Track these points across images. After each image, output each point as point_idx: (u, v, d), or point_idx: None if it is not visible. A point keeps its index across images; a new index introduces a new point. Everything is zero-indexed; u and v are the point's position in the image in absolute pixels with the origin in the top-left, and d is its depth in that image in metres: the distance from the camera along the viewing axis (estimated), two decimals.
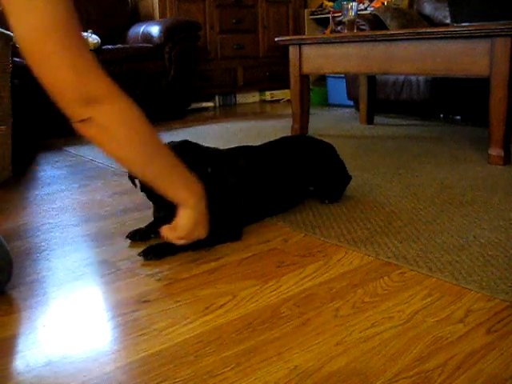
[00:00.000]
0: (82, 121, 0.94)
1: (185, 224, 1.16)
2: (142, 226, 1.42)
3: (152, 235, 1.39)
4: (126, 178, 1.41)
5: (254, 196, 1.45)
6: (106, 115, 0.96)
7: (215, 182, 1.35)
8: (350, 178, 1.71)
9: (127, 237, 1.37)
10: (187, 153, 1.29)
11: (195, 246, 1.29)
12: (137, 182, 1.33)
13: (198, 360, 0.84)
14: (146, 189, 1.27)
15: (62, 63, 0.87)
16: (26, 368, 0.84)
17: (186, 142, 1.36)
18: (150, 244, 1.30)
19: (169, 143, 1.32)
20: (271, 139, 1.66)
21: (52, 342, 0.92)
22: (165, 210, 1.29)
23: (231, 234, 1.37)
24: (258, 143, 1.63)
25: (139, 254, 1.25)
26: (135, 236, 1.37)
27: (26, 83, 2.56)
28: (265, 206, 1.50)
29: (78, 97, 0.91)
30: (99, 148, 1.02)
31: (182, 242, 1.21)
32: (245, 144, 1.61)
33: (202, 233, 1.20)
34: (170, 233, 1.19)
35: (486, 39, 1.96)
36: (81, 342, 0.91)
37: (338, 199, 1.64)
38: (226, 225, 1.38)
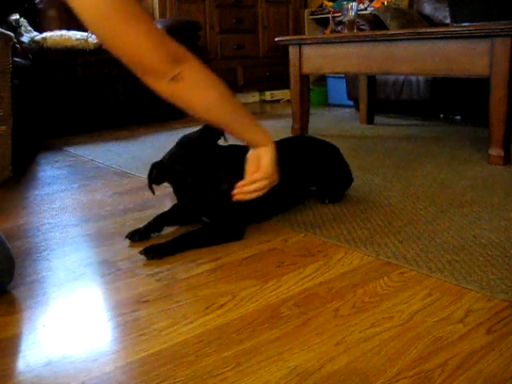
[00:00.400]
0: (173, 78, 1.04)
1: (268, 162, 1.20)
2: (142, 226, 1.42)
3: (152, 234, 1.39)
4: (126, 177, 1.41)
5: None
6: (191, 69, 1.07)
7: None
8: (352, 180, 1.71)
9: (127, 237, 1.37)
10: (202, 144, 1.33)
11: (197, 246, 1.29)
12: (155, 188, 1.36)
13: (197, 360, 0.84)
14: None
15: (138, 32, 0.97)
16: (26, 368, 0.84)
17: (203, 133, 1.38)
18: (151, 243, 1.30)
19: (183, 137, 1.36)
20: (274, 139, 1.66)
21: (52, 342, 0.92)
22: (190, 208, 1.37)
23: (234, 233, 1.37)
24: None
25: (140, 253, 1.25)
26: (134, 236, 1.37)
27: (25, 83, 2.56)
28: (268, 205, 1.50)
29: (165, 57, 1.01)
30: (188, 105, 1.12)
31: (262, 189, 1.23)
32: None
33: (277, 178, 1.24)
34: (257, 175, 1.21)
35: (485, 39, 1.96)
36: (81, 342, 0.91)
37: (338, 200, 1.64)
38: (229, 224, 1.38)
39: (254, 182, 1.22)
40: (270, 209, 1.52)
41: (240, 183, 1.23)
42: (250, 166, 1.23)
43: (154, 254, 1.25)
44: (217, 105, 1.14)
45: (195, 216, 1.47)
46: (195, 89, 1.09)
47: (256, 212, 1.47)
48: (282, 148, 1.59)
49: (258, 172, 1.21)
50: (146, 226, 1.40)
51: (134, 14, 0.94)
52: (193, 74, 1.07)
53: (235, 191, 1.23)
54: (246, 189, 1.23)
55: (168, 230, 1.43)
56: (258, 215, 1.49)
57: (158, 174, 1.35)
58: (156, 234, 1.40)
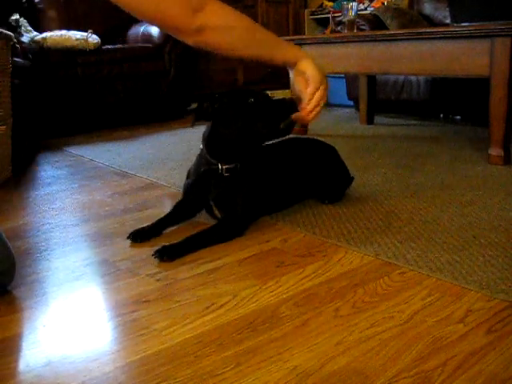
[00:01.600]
0: (197, 30, 1.06)
1: (314, 70, 1.22)
2: (142, 226, 1.42)
3: (153, 236, 1.39)
4: (126, 177, 1.40)
5: (261, 194, 1.46)
6: (212, 15, 1.09)
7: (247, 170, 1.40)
8: (351, 178, 1.71)
9: (128, 238, 1.37)
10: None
11: (206, 245, 1.30)
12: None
13: (197, 360, 0.84)
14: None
15: None
16: (26, 368, 0.84)
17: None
18: (151, 244, 1.30)
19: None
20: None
21: (52, 342, 0.92)
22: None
23: (239, 228, 1.38)
24: None
25: (153, 255, 1.24)
26: (136, 237, 1.37)
27: (25, 83, 2.57)
28: (268, 204, 1.52)
29: (185, 10, 1.05)
30: (216, 49, 1.15)
31: (323, 98, 1.25)
32: None
33: (327, 82, 1.26)
34: (311, 88, 1.22)
35: (485, 39, 1.96)
36: (81, 342, 0.91)
37: (338, 200, 1.64)
38: (234, 219, 1.39)
39: (312, 96, 1.23)
40: (270, 208, 1.53)
41: (303, 104, 1.24)
42: (299, 86, 1.24)
43: (167, 255, 1.24)
44: (243, 41, 1.17)
45: (196, 210, 1.48)
46: (220, 34, 1.11)
47: (260, 208, 1.48)
48: (285, 148, 1.61)
49: (310, 85, 1.22)
50: (148, 228, 1.40)
51: None
52: (214, 19, 1.09)
53: (303, 113, 1.25)
54: (310, 107, 1.24)
55: (170, 230, 1.43)
56: (261, 211, 1.50)
57: (210, 105, 1.35)
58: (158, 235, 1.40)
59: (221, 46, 1.14)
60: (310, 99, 1.23)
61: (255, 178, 1.44)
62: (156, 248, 1.26)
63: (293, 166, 1.57)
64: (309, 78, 1.22)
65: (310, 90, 1.23)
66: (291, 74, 1.27)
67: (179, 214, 1.47)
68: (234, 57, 1.20)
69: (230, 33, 1.13)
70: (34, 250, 1.35)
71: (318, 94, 1.23)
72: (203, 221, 1.48)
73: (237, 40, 1.15)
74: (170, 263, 1.23)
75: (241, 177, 1.41)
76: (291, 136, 1.50)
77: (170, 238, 1.33)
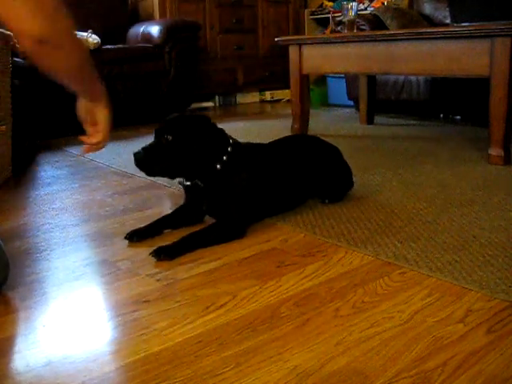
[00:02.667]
0: (40, 40, 0.98)
1: (105, 117, 1.21)
2: (142, 226, 1.42)
3: (151, 236, 1.39)
4: (126, 177, 1.40)
5: (261, 194, 1.45)
6: (60, 32, 1.06)
7: (228, 175, 1.38)
8: (352, 184, 1.71)
9: (126, 238, 1.37)
10: (209, 131, 1.38)
11: (204, 245, 1.30)
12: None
13: (197, 360, 0.84)
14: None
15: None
16: (25, 368, 0.84)
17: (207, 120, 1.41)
18: (149, 244, 1.30)
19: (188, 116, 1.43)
20: (272, 139, 1.66)
21: (52, 342, 0.92)
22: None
23: (237, 231, 1.37)
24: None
25: (150, 254, 1.24)
26: (133, 237, 1.37)
27: (25, 83, 2.57)
28: (270, 205, 1.51)
29: (32, 16, 0.96)
30: (48, 66, 1.08)
31: (103, 142, 1.23)
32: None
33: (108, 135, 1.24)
34: (100, 126, 1.21)
35: (486, 39, 1.96)
36: (81, 342, 0.91)
37: (339, 200, 1.64)
38: (234, 222, 1.39)
39: (97, 133, 1.22)
40: (272, 208, 1.52)
41: (86, 138, 1.23)
42: (86, 117, 1.23)
43: (165, 255, 1.24)
44: (77, 68, 1.14)
45: (198, 216, 1.47)
46: (60, 52, 1.06)
47: (258, 211, 1.47)
48: (287, 147, 1.60)
49: (99, 124, 1.21)
50: (146, 227, 1.40)
51: None
52: (60, 36, 1.05)
53: (85, 147, 1.25)
54: (95, 141, 1.23)
55: (168, 231, 1.43)
56: (262, 213, 1.49)
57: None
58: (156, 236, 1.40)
59: (56, 66, 1.09)
60: (99, 140, 1.23)
61: (252, 177, 1.43)
62: (154, 248, 1.26)
63: (294, 165, 1.55)
64: (100, 121, 1.22)
65: (99, 127, 1.22)
66: (82, 102, 1.26)
67: (178, 217, 1.46)
68: (60, 80, 1.15)
69: (69, 57, 1.08)
70: (34, 250, 1.35)
71: (101, 137, 1.22)
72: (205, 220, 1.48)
73: (72, 66, 1.12)
74: (170, 263, 1.23)
75: (226, 182, 1.39)
76: (293, 134, 1.51)
77: (170, 238, 1.33)
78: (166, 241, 1.32)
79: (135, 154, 1.35)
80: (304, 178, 1.58)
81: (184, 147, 1.34)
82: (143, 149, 1.35)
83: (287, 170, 1.53)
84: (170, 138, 1.33)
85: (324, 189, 1.63)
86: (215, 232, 1.35)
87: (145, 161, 1.35)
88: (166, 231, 1.42)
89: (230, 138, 1.44)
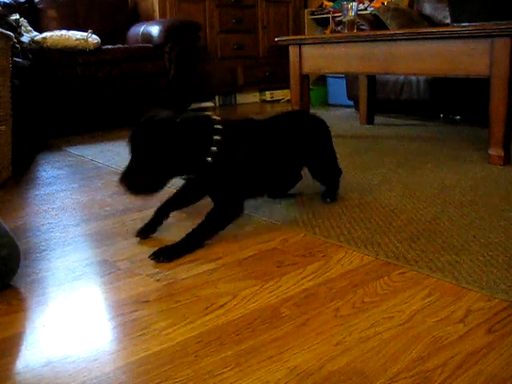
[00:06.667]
0: None
1: None
2: (142, 225, 1.42)
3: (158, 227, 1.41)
4: None
5: (257, 171, 1.43)
6: None
7: (223, 156, 1.34)
8: (340, 172, 1.72)
9: (137, 236, 1.39)
10: (192, 127, 1.30)
11: (203, 239, 1.31)
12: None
13: (197, 360, 0.84)
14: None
15: None
16: (25, 368, 0.84)
17: (197, 115, 1.36)
18: (155, 244, 1.30)
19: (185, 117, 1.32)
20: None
21: (52, 342, 0.92)
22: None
23: (235, 209, 1.36)
24: None
25: (150, 257, 1.24)
26: (142, 233, 1.39)
27: (25, 83, 2.56)
28: (265, 182, 1.50)
29: None
30: None
31: None
32: None
33: None
34: None
35: (486, 39, 1.96)
36: (81, 342, 0.91)
37: (336, 190, 1.65)
38: (230, 199, 1.37)
39: None
40: (267, 186, 1.53)
41: None
42: None
43: (165, 257, 1.24)
44: None
45: (197, 196, 1.47)
46: None
47: (253, 187, 1.46)
48: (280, 124, 1.58)
49: None
50: (152, 219, 1.41)
51: None
52: None
53: None
54: None
55: (171, 224, 1.43)
56: (255, 191, 1.49)
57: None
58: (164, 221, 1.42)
59: None
60: None
61: (245, 157, 1.39)
62: (155, 249, 1.26)
63: (286, 141, 1.53)
64: None
65: None
66: None
67: (179, 197, 1.45)
68: None
69: None
70: (34, 250, 1.35)
71: None
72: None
73: None
74: (170, 263, 1.23)
75: (220, 172, 1.35)
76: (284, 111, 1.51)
77: (173, 231, 1.33)
78: (166, 238, 1.32)
79: (122, 182, 1.25)
80: (297, 154, 1.57)
81: (163, 154, 1.25)
82: (125, 173, 1.26)
83: (280, 145, 1.51)
84: (144, 151, 1.24)
85: (315, 166, 1.64)
86: (214, 220, 1.33)
87: (136, 183, 1.26)
88: (169, 230, 1.43)
89: (218, 122, 1.36)
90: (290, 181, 1.67)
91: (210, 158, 1.32)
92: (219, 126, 1.34)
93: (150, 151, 1.23)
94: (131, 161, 1.26)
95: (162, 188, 1.32)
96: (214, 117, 1.37)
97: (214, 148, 1.32)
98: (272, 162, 1.49)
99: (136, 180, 1.26)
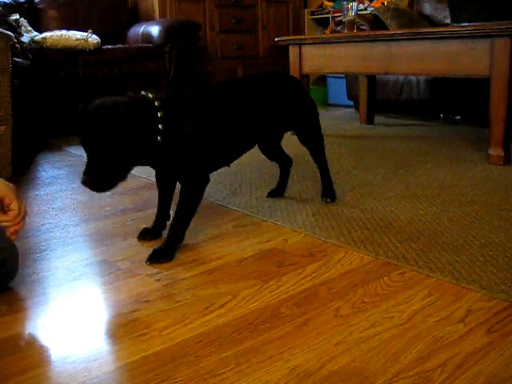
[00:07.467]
0: None
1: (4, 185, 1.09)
2: (142, 226, 1.42)
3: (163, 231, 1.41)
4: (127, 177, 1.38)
5: (216, 139, 1.36)
6: None
7: (171, 132, 1.25)
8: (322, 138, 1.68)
9: (138, 238, 1.39)
10: (139, 107, 1.21)
11: (186, 224, 1.30)
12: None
13: (197, 360, 0.84)
14: None
15: None
16: (26, 368, 0.84)
17: (138, 96, 1.26)
18: (155, 244, 1.30)
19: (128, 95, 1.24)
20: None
21: (52, 342, 0.92)
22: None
23: (198, 182, 1.31)
24: None
25: (148, 262, 1.23)
26: (145, 236, 1.39)
27: (25, 83, 2.56)
28: (231, 147, 1.44)
29: None
30: None
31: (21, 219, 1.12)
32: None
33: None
34: (16, 204, 1.09)
35: (486, 39, 1.96)
36: (81, 341, 0.91)
37: (324, 160, 1.65)
38: (191, 173, 1.32)
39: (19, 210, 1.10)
40: (234, 150, 1.46)
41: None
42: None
43: (163, 257, 1.24)
44: None
45: (171, 181, 1.43)
46: None
47: (221, 156, 1.41)
48: (233, 88, 1.48)
49: (11, 200, 1.08)
50: (154, 225, 1.41)
51: None
52: None
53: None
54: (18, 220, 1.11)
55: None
56: (222, 159, 1.43)
57: None
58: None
59: None
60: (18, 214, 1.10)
61: (198, 126, 1.31)
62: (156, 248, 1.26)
63: (244, 106, 1.44)
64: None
65: (14, 205, 1.09)
66: None
67: (166, 194, 1.44)
68: None
69: None
70: (34, 250, 1.35)
71: (22, 209, 1.10)
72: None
73: None
74: (170, 263, 1.23)
75: (173, 148, 1.27)
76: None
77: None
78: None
79: (86, 182, 1.18)
80: (264, 117, 1.49)
81: (118, 145, 1.17)
82: (86, 173, 1.18)
83: (241, 110, 1.43)
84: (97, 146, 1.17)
85: (298, 127, 1.61)
86: (185, 203, 1.30)
87: (100, 180, 1.20)
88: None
89: (155, 98, 1.25)
90: (269, 148, 1.61)
91: (159, 137, 1.23)
92: (157, 103, 1.25)
93: (106, 145, 1.17)
94: (89, 159, 1.19)
95: (124, 179, 1.26)
96: (150, 94, 1.26)
97: (160, 125, 1.23)
98: (233, 127, 1.40)
99: (99, 177, 1.19)
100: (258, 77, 1.57)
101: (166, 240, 1.28)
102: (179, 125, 1.27)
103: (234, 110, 1.41)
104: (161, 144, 1.23)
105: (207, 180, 1.34)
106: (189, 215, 1.30)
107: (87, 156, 1.18)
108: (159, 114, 1.23)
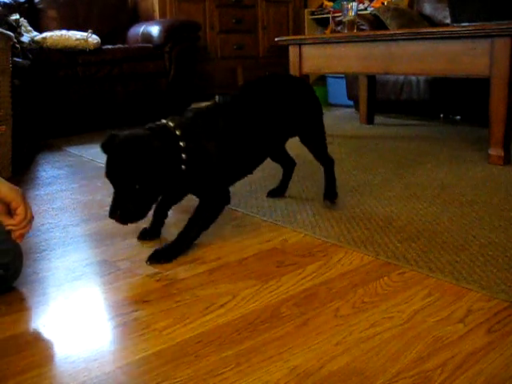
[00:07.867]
0: None
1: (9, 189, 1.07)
2: (142, 226, 1.42)
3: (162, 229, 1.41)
4: None
5: (239, 154, 1.38)
6: None
7: (194, 159, 1.27)
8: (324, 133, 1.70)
9: (139, 238, 1.39)
10: (161, 141, 1.22)
11: (197, 234, 1.30)
12: None
13: (197, 360, 0.84)
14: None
15: None
16: (26, 368, 0.84)
17: (157, 127, 1.27)
18: (155, 244, 1.30)
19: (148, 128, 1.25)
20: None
21: (52, 342, 0.92)
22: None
23: (221, 200, 1.34)
24: None
25: (148, 262, 1.23)
26: (145, 236, 1.39)
27: (25, 83, 2.56)
28: (248, 160, 1.45)
29: None
30: None
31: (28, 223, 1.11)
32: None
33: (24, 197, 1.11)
34: (23, 209, 1.08)
35: (486, 39, 1.96)
36: (81, 341, 0.91)
37: (332, 162, 1.64)
38: (213, 190, 1.34)
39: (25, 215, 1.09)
40: (251, 162, 1.47)
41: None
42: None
43: (163, 258, 1.24)
44: None
45: (182, 195, 1.45)
46: None
47: (236, 171, 1.42)
48: (256, 95, 1.47)
49: (17, 205, 1.07)
50: (152, 225, 1.41)
51: None
52: None
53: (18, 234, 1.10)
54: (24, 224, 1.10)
55: (171, 224, 1.43)
56: (240, 172, 1.45)
57: None
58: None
59: None
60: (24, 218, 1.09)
61: (213, 150, 1.31)
62: (156, 248, 1.26)
63: (264, 116, 1.45)
64: (5, 198, 1.07)
65: (21, 216, 1.08)
66: None
67: (169, 196, 1.44)
68: None
69: None
70: (34, 250, 1.35)
71: (28, 213, 1.10)
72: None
73: None
74: (169, 263, 1.23)
75: (196, 175, 1.30)
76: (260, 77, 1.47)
77: (172, 236, 1.33)
78: (168, 234, 1.32)
79: (114, 216, 1.20)
80: (277, 124, 1.49)
81: (144, 179, 1.19)
82: (114, 206, 1.20)
83: (257, 123, 1.43)
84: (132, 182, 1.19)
85: (304, 133, 1.61)
86: (203, 215, 1.31)
87: (127, 213, 1.20)
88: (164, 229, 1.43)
89: (176, 127, 1.27)
90: (274, 150, 1.61)
91: (183, 166, 1.26)
92: (178, 132, 1.27)
93: (132, 180, 1.19)
94: (116, 192, 1.22)
95: (150, 209, 1.27)
96: (170, 123, 1.28)
97: (183, 155, 1.25)
98: (254, 140, 1.41)
99: (126, 210, 1.20)
100: (271, 82, 1.55)
101: (171, 242, 1.28)
102: (202, 149, 1.30)
103: (254, 123, 1.42)
104: (184, 171, 1.27)
105: (228, 200, 1.36)
106: (201, 228, 1.31)
107: (114, 190, 1.21)
108: (182, 144, 1.26)
